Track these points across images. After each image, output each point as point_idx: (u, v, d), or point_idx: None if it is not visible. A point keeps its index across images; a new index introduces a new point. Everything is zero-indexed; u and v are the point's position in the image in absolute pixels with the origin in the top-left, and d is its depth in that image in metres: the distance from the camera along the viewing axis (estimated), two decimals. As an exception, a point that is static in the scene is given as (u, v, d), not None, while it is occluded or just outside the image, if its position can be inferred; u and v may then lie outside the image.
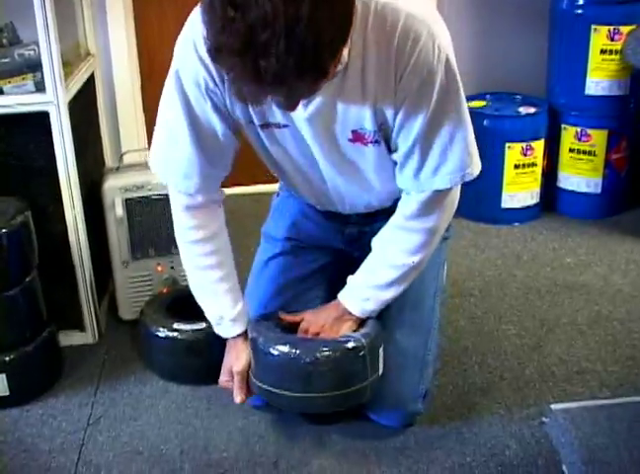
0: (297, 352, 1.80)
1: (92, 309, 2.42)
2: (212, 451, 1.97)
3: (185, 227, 1.90)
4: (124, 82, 3.21)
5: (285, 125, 1.71)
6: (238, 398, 1.93)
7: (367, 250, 1.93)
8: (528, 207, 3.25)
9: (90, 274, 2.39)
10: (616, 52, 3.01)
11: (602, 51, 3.03)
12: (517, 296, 2.67)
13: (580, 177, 3.23)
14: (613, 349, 2.35)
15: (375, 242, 1.90)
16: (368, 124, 1.67)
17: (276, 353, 1.81)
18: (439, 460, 1.92)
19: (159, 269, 2.52)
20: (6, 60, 2.19)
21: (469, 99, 3.27)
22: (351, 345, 1.82)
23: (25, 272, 2.17)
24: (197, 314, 2.26)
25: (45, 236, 2.26)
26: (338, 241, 2.10)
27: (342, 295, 1.94)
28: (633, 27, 2.95)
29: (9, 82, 2.17)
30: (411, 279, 1.89)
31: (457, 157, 1.70)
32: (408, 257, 1.85)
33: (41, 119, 2.19)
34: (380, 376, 1.90)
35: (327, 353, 1.80)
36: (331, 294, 2.06)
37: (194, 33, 1.61)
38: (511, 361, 2.29)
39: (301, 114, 1.65)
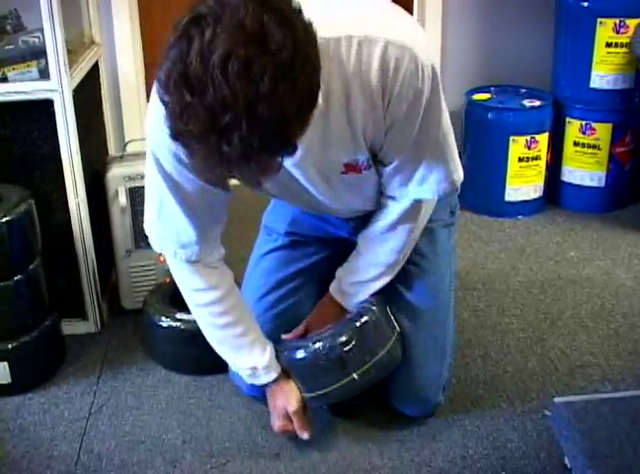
0: (324, 344, 1.86)
1: (94, 298, 2.41)
2: (214, 442, 1.97)
3: (194, 289, 1.86)
4: (129, 71, 3.21)
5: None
6: (306, 434, 1.91)
7: None
8: (532, 201, 3.24)
9: (93, 262, 2.39)
10: (622, 45, 3.00)
11: (608, 44, 3.02)
12: (520, 290, 2.67)
13: (584, 170, 3.22)
14: (616, 342, 2.34)
15: (359, 239, 1.92)
16: (361, 155, 1.66)
17: (304, 355, 1.88)
18: (441, 452, 1.92)
19: (162, 258, 2.51)
20: (10, 47, 2.19)
21: (474, 91, 3.28)
22: (363, 318, 1.88)
23: (28, 260, 2.17)
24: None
25: (49, 224, 2.26)
26: (344, 231, 2.09)
27: (335, 293, 1.97)
28: (639, 20, 2.94)
29: (13, 69, 2.17)
30: (395, 271, 1.93)
31: (443, 168, 1.72)
32: (389, 255, 1.89)
33: (46, 107, 2.18)
34: (399, 335, 1.92)
35: (349, 331, 1.86)
36: (327, 287, 2.08)
37: (160, 107, 1.55)
38: (513, 355, 2.29)
39: (288, 161, 1.55)
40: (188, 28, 1.18)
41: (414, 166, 1.71)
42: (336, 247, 2.13)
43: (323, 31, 1.35)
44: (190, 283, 1.86)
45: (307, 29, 1.24)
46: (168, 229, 1.77)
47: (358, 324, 1.87)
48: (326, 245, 2.13)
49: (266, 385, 1.92)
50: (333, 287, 1.99)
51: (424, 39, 1.60)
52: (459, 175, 1.78)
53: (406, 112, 1.57)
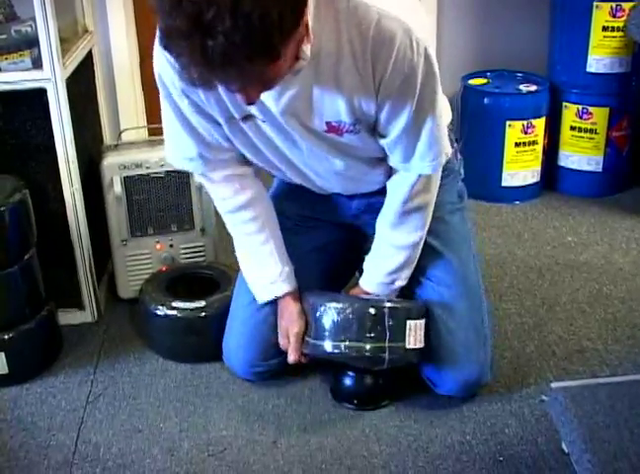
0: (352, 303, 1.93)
1: (91, 288, 2.41)
2: (212, 430, 1.97)
3: (217, 199, 2.01)
4: (123, 59, 3.19)
5: (264, 121, 1.74)
6: (292, 357, 2.00)
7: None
8: (529, 186, 3.23)
9: (89, 252, 2.38)
10: (618, 29, 2.99)
11: (604, 28, 3.01)
12: (517, 275, 2.66)
13: (581, 155, 3.21)
14: (614, 327, 2.34)
15: (379, 227, 1.97)
16: (345, 117, 1.70)
17: (331, 305, 1.92)
18: (438, 438, 1.92)
19: (158, 247, 2.51)
20: (3, 36, 2.17)
21: (470, 76, 3.26)
22: (375, 304, 1.92)
23: (23, 250, 2.16)
24: (196, 292, 2.26)
25: (44, 214, 2.25)
26: (345, 215, 2.13)
27: (366, 285, 2.03)
28: (635, 2, 2.93)
29: (6, 59, 2.15)
30: (421, 247, 1.98)
31: (439, 145, 1.78)
32: (414, 234, 1.94)
33: (39, 97, 2.17)
34: (415, 351, 1.94)
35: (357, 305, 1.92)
36: (329, 273, 2.16)
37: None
38: (511, 340, 2.29)
39: (273, 108, 1.67)
40: None
41: (414, 141, 1.75)
42: (342, 233, 2.18)
43: None
44: (212, 192, 2.01)
45: None
46: (174, 143, 1.90)
47: (390, 304, 1.92)
48: (332, 230, 2.17)
49: (273, 302, 2.04)
50: (365, 282, 2.03)
51: (421, 20, 1.63)
52: (449, 149, 1.84)
53: (401, 85, 1.62)
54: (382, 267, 1.99)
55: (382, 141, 1.79)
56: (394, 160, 1.83)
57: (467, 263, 2.08)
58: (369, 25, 1.53)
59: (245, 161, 1.95)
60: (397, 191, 1.90)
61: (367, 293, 2.03)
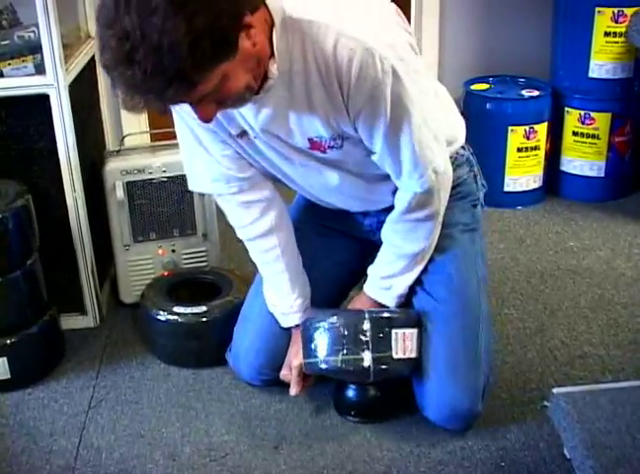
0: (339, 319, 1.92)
1: (93, 293, 2.41)
2: (213, 435, 1.97)
3: (236, 226, 2.01)
4: (126, 65, 3.19)
5: (255, 137, 1.76)
6: (293, 390, 2.01)
7: None
8: (531, 191, 3.23)
9: (91, 257, 2.38)
10: (621, 35, 2.99)
11: (607, 34, 3.01)
12: (519, 280, 2.66)
13: (583, 160, 3.22)
14: (616, 332, 2.34)
15: (383, 233, 1.97)
16: (323, 132, 1.70)
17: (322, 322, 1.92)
18: (440, 444, 1.91)
19: (160, 252, 2.52)
20: (6, 42, 2.18)
21: (472, 81, 3.27)
22: (358, 317, 1.91)
23: (26, 255, 2.16)
24: (197, 297, 2.26)
25: (46, 219, 2.26)
26: (360, 231, 2.13)
27: (367, 289, 2.02)
28: (638, 8, 2.93)
29: (9, 64, 2.16)
30: (426, 259, 1.96)
31: (425, 159, 1.74)
32: (415, 244, 1.92)
33: (42, 102, 2.18)
34: (405, 361, 1.91)
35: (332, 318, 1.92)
36: (344, 287, 2.20)
37: None
38: (513, 345, 2.29)
39: (254, 125, 1.70)
40: None
41: (397, 159, 1.74)
42: (358, 246, 2.16)
43: (296, 11, 1.53)
44: (232, 220, 2.01)
45: None
46: (195, 162, 1.91)
47: (371, 315, 1.91)
48: (350, 242, 2.16)
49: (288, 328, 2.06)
50: (367, 286, 2.02)
51: (384, 35, 1.60)
52: (439, 165, 1.78)
53: (368, 103, 1.61)
54: (379, 271, 1.98)
55: (373, 157, 1.77)
56: (392, 176, 1.82)
57: (469, 281, 2.00)
58: (329, 46, 1.53)
59: (267, 179, 1.95)
60: (397, 203, 1.89)
61: (369, 298, 2.01)
